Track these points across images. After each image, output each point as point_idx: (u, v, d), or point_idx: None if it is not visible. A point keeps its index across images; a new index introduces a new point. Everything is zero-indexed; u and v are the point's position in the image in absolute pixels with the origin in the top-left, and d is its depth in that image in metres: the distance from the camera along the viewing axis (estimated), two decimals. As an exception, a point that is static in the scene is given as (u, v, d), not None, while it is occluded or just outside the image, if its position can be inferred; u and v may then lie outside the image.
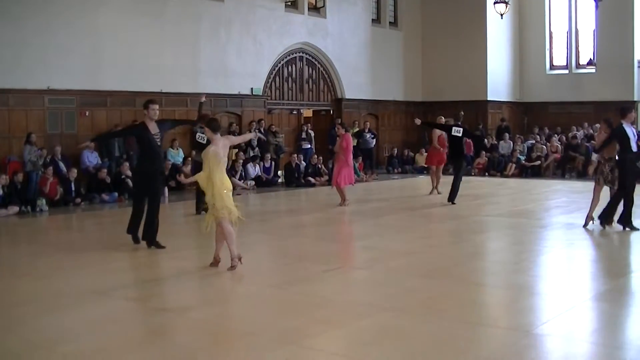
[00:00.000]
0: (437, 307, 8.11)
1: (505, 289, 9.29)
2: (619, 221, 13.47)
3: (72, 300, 8.61)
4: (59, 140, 20.06)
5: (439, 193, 19.68)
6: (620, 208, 13.43)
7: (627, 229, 13.31)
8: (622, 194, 13.30)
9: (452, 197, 18.00)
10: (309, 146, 26.30)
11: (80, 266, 10.77)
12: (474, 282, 9.59)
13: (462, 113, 20.10)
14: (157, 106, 11.78)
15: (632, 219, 13.37)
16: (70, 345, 6.97)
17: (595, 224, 13.60)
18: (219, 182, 9.96)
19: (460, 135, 18.21)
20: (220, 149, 10.07)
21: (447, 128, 18.63)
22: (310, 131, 26.92)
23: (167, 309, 8.29)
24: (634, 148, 13.30)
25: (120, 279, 9.67)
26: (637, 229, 13.22)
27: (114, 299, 8.63)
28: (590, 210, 13.69)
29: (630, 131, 13.27)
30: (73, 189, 18.91)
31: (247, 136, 15.59)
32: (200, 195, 14.49)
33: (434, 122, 20.30)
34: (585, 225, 13.61)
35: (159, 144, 11.86)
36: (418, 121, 20.09)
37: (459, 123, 18.48)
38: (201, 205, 14.96)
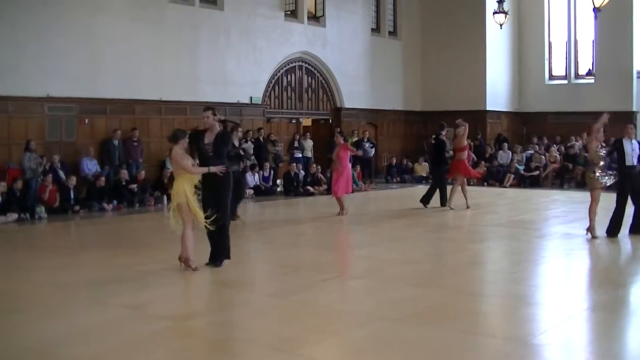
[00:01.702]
0: (435, 317, 8.11)
1: (503, 298, 9.29)
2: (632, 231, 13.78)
3: (69, 307, 8.62)
4: (58, 147, 20.06)
5: (468, 207, 18.81)
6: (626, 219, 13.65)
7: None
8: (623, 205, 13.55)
9: (425, 200, 18.81)
10: (300, 155, 26.24)
11: (78, 273, 10.78)
12: (472, 292, 9.59)
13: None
14: (207, 113, 10.95)
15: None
16: (68, 351, 6.98)
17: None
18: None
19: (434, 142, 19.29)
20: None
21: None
22: (309, 140, 26.91)
23: (164, 316, 8.28)
24: (634, 162, 13.50)
25: (118, 287, 9.65)
26: None
27: (111, 306, 8.63)
28: (592, 221, 13.69)
29: (629, 145, 13.47)
30: (72, 196, 18.92)
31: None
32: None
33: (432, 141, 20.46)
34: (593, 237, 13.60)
35: (210, 154, 10.87)
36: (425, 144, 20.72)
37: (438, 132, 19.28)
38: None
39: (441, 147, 19.46)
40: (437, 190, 18.90)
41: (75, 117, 20.52)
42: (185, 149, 10.75)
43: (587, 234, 13.60)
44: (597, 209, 13.55)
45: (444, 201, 18.81)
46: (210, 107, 11.44)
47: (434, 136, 19.75)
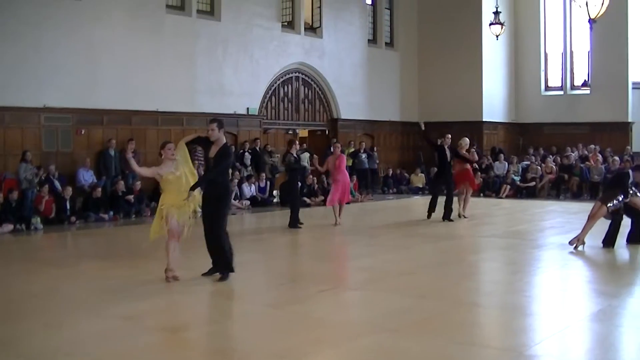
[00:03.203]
0: (431, 328, 8.12)
1: (500, 309, 9.30)
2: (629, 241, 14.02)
3: (66, 318, 8.62)
4: (55, 158, 20.06)
5: (464, 217, 19.13)
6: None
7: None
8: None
9: (446, 216, 18.46)
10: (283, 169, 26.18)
11: (74, 284, 10.79)
12: (468, 303, 9.59)
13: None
14: (213, 125, 10.75)
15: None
16: (64, 363, 6.98)
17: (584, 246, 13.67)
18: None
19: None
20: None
21: (438, 148, 18.94)
22: (306, 152, 26.88)
23: (161, 327, 8.28)
24: None
25: (115, 297, 9.64)
26: None
27: (108, 318, 8.62)
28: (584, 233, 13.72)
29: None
30: (68, 207, 18.90)
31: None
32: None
33: (430, 139, 20.43)
34: (576, 248, 13.63)
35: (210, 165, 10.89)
36: (422, 125, 20.41)
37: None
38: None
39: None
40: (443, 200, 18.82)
41: (72, 127, 20.54)
42: (170, 156, 10.74)
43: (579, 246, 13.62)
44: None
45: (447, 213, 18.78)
46: (216, 119, 11.15)
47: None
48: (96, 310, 9.00)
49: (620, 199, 13.45)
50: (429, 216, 18.81)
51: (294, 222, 17.40)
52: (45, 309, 9.17)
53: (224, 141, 10.88)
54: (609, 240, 13.67)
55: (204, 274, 10.86)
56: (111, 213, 19.59)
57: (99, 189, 19.68)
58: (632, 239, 13.95)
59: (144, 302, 9.47)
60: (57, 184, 19.34)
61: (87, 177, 20.28)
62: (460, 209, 19.12)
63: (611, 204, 13.42)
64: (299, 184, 19.72)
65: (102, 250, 14.95)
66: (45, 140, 20.03)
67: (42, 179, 19.01)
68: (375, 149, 29.69)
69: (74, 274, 11.75)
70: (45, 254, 15.07)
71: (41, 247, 16.32)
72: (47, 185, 18.72)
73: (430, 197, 19.50)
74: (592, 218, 13.59)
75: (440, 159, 19.03)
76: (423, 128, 20.78)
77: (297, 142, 18.64)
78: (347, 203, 18.93)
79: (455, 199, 19.00)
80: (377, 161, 29.30)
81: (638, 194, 13.68)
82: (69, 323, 8.41)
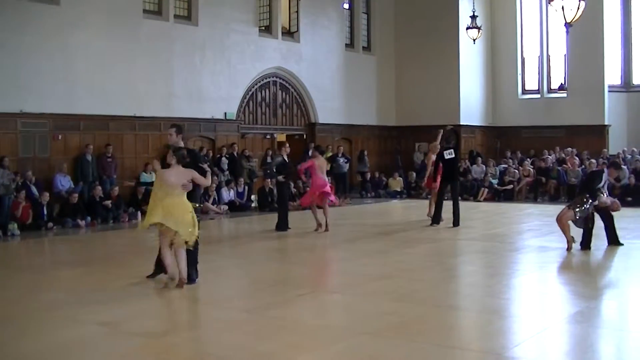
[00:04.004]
0: (411, 331, 8.12)
1: (478, 312, 9.32)
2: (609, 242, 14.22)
3: (44, 325, 8.55)
4: (32, 164, 19.94)
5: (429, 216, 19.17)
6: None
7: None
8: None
9: (456, 222, 18.27)
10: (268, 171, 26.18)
11: (52, 291, 10.73)
12: (447, 306, 9.61)
13: (448, 128, 19.72)
14: (171, 130, 11.08)
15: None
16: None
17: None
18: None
19: (453, 156, 18.48)
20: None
21: (439, 155, 18.79)
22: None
23: (139, 333, 8.24)
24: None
25: (93, 304, 9.59)
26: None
27: (86, 324, 8.57)
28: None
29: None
30: (45, 213, 18.80)
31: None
32: None
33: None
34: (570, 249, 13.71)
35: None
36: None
37: (450, 145, 18.60)
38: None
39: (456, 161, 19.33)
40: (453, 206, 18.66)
41: (49, 133, 20.42)
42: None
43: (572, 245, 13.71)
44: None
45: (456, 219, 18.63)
46: (175, 124, 11.49)
47: (447, 150, 18.61)
48: (74, 316, 8.95)
49: (589, 203, 13.52)
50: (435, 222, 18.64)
51: (284, 225, 17.48)
52: (23, 316, 9.10)
53: (182, 145, 11.03)
54: (586, 243, 13.76)
55: (148, 277, 11.04)
56: (88, 219, 19.50)
57: (76, 195, 19.57)
58: (611, 241, 14.10)
59: (122, 308, 9.42)
60: (34, 189, 19.23)
61: (64, 182, 20.17)
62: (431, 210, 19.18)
63: (578, 209, 13.48)
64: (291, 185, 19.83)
65: (79, 257, 14.86)
66: (22, 145, 19.89)
67: (19, 185, 18.88)
68: (365, 152, 30.19)
69: (51, 280, 11.68)
70: (22, 261, 14.97)
71: (18, 254, 16.19)
72: (24, 191, 18.60)
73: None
74: (559, 221, 13.68)
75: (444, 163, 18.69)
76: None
77: (287, 145, 18.76)
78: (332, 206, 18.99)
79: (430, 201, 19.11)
80: (368, 164, 29.93)
81: (605, 193, 13.74)
82: (47, 329, 8.36)
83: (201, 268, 10.96)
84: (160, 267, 10.94)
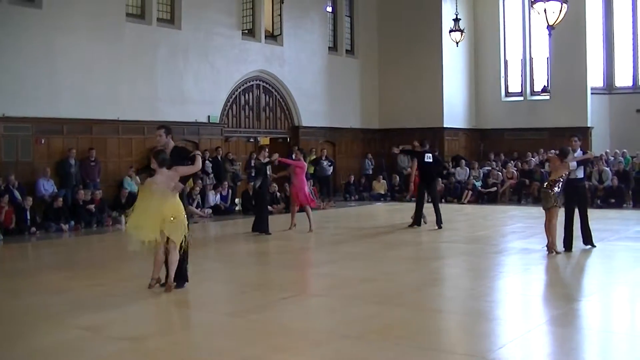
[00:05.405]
0: (394, 334, 8.12)
1: (462, 314, 9.34)
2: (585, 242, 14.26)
3: (28, 329, 8.51)
4: (14, 168, 19.83)
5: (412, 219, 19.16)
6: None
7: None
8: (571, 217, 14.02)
9: (439, 222, 18.35)
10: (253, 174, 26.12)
11: (36, 295, 10.66)
12: (431, 309, 9.63)
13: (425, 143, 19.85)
14: (160, 131, 10.94)
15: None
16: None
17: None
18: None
19: (431, 161, 18.59)
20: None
21: (419, 154, 18.77)
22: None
23: (122, 337, 8.21)
24: (577, 175, 13.78)
25: (76, 308, 9.55)
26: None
27: (70, 328, 8.54)
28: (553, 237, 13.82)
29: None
30: (28, 217, 18.71)
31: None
32: None
33: (410, 150, 20.09)
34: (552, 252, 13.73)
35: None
36: (396, 150, 19.91)
37: (430, 150, 18.93)
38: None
39: (438, 165, 19.42)
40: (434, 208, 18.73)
41: (32, 137, 20.33)
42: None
43: (549, 252, 13.68)
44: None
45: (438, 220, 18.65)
46: (163, 125, 11.35)
47: (427, 154, 18.75)
48: (57, 320, 8.92)
49: (556, 188, 13.56)
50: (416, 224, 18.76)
51: (265, 227, 17.49)
52: (6, 320, 9.05)
53: (173, 144, 11.01)
54: (568, 244, 13.83)
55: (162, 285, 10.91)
56: (72, 223, 19.43)
57: (60, 199, 19.49)
58: (586, 241, 14.24)
59: (106, 312, 9.39)
60: (17, 194, 19.12)
61: (47, 187, 20.08)
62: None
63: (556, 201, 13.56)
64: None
65: (63, 261, 14.82)
66: (4, 149, 19.80)
67: (1, 189, 18.79)
68: (369, 155, 30.87)
69: (35, 284, 11.62)
70: (5, 265, 14.86)
71: (1, 258, 16.10)
72: (6, 196, 18.51)
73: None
74: (549, 223, 13.75)
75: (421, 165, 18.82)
76: (397, 152, 20.30)
77: (267, 150, 18.78)
78: (313, 209, 19.01)
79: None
80: (372, 166, 30.71)
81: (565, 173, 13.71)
82: (32, 334, 8.32)
83: (185, 272, 10.96)
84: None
